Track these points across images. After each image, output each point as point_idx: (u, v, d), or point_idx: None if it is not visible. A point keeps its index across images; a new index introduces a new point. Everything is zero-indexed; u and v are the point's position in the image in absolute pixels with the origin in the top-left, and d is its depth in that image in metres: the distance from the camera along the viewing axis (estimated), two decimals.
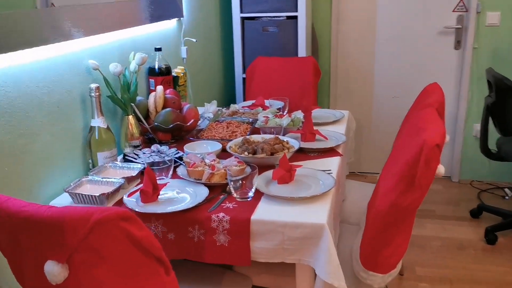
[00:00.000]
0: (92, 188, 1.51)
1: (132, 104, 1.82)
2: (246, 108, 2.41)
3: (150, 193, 1.42)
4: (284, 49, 3.12)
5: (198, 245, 1.38)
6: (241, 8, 3.08)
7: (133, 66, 1.83)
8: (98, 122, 1.64)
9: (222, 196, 1.46)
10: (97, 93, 1.62)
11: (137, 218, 0.99)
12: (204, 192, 1.46)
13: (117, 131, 1.85)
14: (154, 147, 1.81)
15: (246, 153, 1.69)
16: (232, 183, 1.44)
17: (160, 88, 1.95)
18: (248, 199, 1.44)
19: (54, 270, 1.00)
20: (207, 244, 1.37)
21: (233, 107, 2.37)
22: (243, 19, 3.12)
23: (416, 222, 2.97)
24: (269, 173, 1.57)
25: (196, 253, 1.39)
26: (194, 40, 2.52)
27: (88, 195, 1.42)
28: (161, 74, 2.11)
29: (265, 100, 2.46)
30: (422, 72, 3.46)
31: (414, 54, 3.44)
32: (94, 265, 1.00)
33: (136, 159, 1.71)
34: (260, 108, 2.32)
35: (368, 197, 1.63)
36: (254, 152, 1.69)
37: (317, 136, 1.92)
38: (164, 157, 1.72)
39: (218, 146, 1.78)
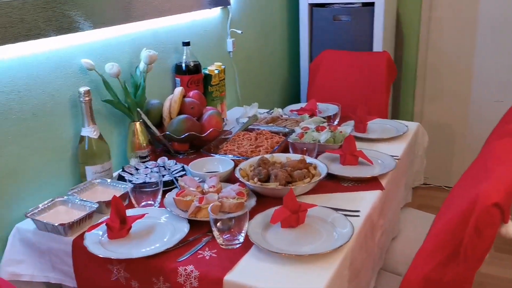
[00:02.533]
0: (66, 211, 1.29)
1: (139, 110, 1.57)
2: (295, 112, 2.06)
3: (117, 228, 1.16)
4: (357, 41, 2.68)
5: None
6: None
7: (142, 65, 1.57)
8: (88, 131, 1.41)
9: (205, 239, 1.16)
10: (87, 98, 1.39)
11: None
12: (183, 231, 1.17)
13: (125, 138, 1.63)
14: (161, 160, 1.55)
15: (256, 179, 1.36)
16: (217, 223, 1.13)
17: (177, 90, 1.68)
18: (235, 247, 1.12)
19: None
20: None
21: (276, 111, 2.03)
22: (312, 5, 2.73)
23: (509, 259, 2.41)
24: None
25: None
26: (240, 31, 2.20)
27: (48, 223, 1.20)
28: (189, 73, 1.84)
29: (319, 104, 2.08)
30: None
31: None
32: None
33: (133, 174, 1.46)
34: (307, 115, 1.95)
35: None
36: (268, 179, 1.36)
37: (361, 159, 1.53)
38: (164, 175, 1.45)
39: (230, 165, 1.47)
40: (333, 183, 1.43)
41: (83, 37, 1.45)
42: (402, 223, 1.74)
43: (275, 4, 2.66)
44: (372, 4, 2.59)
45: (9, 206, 1.27)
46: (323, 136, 1.64)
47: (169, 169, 1.50)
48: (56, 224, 1.18)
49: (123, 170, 1.49)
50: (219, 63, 2.00)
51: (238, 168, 1.42)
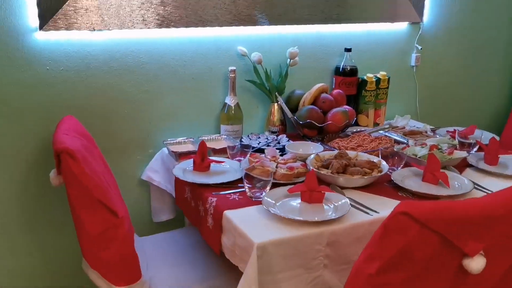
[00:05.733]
0: (190, 148, 1.82)
1: (276, 93, 1.96)
2: (449, 133, 2.05)
3: (197, 163, 1.62)
4: None
5: (201, 220, 1.50)
6: None
7: (288, 59, 1.96)
8: (228, 99, 1.90)
9: (244, 189, 1.50)
10: (232, 75, 1.88)
11: (77, 157, 1.29)
12: (232, 178, 1.54)
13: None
14: (281, 136, 1.91)
15: (319, 164, 1.58)
16: (248, 179, 1.45)
17: (316, 86, 1.99)
18: (257, 199, 1.43)
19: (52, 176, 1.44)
20: (203, 222, 1.48)
21: (424, 127, 2.08)
22: None
23: None
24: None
25: (200, 227, 1.52)
26: (419, 47, 2.27)
27: (170, 150, 1.76)
28: (344, 75, 2.10)
29: (477, 130, 2.00)
30: None
31: None
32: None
33: (251, 139, 1.88)
34: (448, 136, 1.94)
35: None
36: (328, 167, 1.57)
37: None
38: (269, 145, 1.82)
39: (319, 150, 1.73)
40: (392, 190, 1.52)
41: (249, 30, 1.93)
42: None
43: (500, 26, 2.53)
44: None
45: (164, 134, 1.88)
46: (422, 152, 1.67)
47: (278, 143, 1.85)
48: (171, 150, 1.73)
49: (248, 135, 1.93)
50: (384, 73, 2.17)
51: (316, 153, 1.67)
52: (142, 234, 1.86)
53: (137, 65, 1.78)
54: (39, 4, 1.55)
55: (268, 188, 1.44)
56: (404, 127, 2.10)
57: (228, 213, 1.35)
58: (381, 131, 2.00)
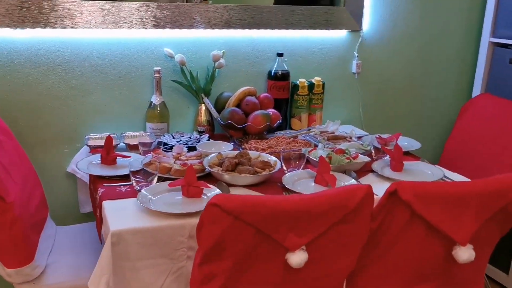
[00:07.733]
0: None
1: (202, 95, 2.03)
2: (376, 140, 2.07)
3: (103, 156, 1.70)
4: None
5: (95, 210, 1.58)
6: (493, 30, 2.42)
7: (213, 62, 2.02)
8: (154, 98, 1.98)
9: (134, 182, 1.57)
10: (157, 75, 1.96)
11: None
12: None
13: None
14: (204, 136, 1.97)
15: (214, 162, 1.64)
16: (133, 173, 1.52)
17: (241, 89, 2.04)
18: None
19: None
20: (95, 211, 1.56)
21: (351, 133, 2.10)
22: (494, 44, 2.45)
23: None
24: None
25: (96, 214, 1.60)
26: (356, 54, 2.30)
27: (88, 143, 1.85)
28: (275, 79, 2.15)
29: (401, 137, 2.02)
30: None
31: None
32: None
33: (174, 138, 1.95)
34: (370, 145, 1.95)
35: None
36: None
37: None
38: (186, 143, 1.88)
39: (229, 148, 1.80)
40: (280, 189, 1.56)
41: (180, 33, 2.01)
42: None
43: (452, 36, 2.52)
44: None
45: (92, 129, 1.97)
46: (322, 152, 1.71)
47: (198, 142, 1.91)
48: (87, 144, 1.82)
49: (171, 134, 2.00)
50: (319, 78, 2.20)
51: (218, 152, 1.72)
52: (70, 224, 1.95)
53: (62, 63, 1.88)
54: None
55: (154, 182, 1.50)
56: (333, 132, 2.13)
57: (105, 203, 1.42)
58: (303, 135, 2.04)
